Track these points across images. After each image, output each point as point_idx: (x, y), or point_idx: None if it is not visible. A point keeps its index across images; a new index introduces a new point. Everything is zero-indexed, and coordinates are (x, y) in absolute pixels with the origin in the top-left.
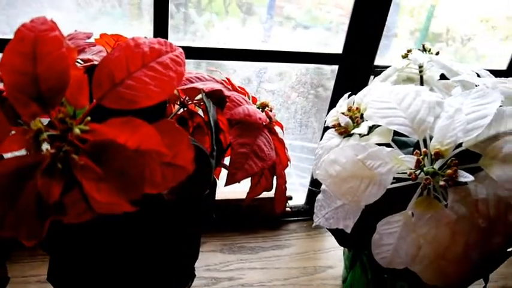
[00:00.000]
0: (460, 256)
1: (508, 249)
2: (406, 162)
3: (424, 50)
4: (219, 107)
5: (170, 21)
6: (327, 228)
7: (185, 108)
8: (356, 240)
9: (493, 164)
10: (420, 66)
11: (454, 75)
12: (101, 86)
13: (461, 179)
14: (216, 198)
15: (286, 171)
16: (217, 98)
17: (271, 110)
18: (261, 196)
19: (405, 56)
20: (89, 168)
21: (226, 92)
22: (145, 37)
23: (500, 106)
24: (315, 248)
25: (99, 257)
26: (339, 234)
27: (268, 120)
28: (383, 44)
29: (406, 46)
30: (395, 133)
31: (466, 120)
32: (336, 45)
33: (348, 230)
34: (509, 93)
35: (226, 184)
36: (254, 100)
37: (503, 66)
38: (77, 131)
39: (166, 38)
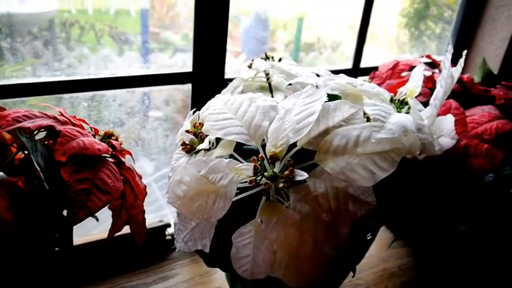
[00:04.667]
0: (312, 254)
1: (368, 237)
2: (245, 170)
3: (266, 57)
4: None
5: (38, 60)
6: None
7: (26, 152)
8: (219, 259)
9: (327, 158)
10: (267, 74)
11: (293, 78)
12: None
13: (298, 178)
14: (84, 241)
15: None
16: (53, 134)
17: (116, 139)
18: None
19: (250, 66)
20: None
21: (58, 127)
22: None
23: (326, 102)
24: (200, 272)
25: None
26: (203, 256)
27: (111, 150)
28: None
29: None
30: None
31: (295, 120)
32: None
33: (207, 250)
34: (339, 88)
35: (70, 225)
36: (96, 131)
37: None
38: None
39: None
